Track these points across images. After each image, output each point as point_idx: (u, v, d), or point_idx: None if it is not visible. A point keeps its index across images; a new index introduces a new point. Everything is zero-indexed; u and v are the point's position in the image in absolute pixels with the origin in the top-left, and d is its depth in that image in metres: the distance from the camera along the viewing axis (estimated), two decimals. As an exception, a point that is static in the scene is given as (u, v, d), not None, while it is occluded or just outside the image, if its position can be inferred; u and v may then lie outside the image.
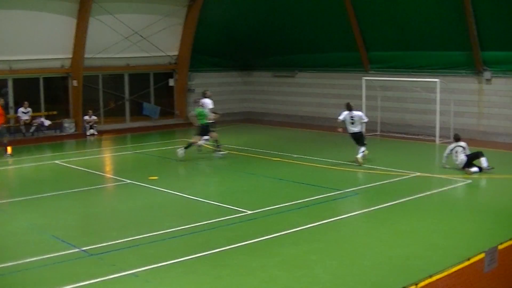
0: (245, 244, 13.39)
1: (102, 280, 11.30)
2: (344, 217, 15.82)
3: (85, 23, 33.25)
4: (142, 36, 35.72)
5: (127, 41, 35.43)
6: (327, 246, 13.46)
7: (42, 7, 32.35)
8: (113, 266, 12.03)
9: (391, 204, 17.06)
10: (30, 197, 18.64)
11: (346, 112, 23.68)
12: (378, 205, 16.92)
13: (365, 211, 16.44)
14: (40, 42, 32.92)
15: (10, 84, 33.34)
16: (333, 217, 15.68)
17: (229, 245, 13.26)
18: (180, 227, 14.85)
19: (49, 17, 32.75)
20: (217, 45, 38.55)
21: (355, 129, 23.66)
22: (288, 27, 35.78)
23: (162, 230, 14.55)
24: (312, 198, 17.94)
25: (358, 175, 21.68)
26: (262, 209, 16.48)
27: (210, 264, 12.17)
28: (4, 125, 28.33)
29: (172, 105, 38.98)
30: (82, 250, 13.00)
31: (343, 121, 23.68)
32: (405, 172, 21.54)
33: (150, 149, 28.56)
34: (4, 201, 18.30)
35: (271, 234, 14.09)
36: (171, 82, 38.61)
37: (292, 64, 37.76)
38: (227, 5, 36.82)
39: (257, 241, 13.65)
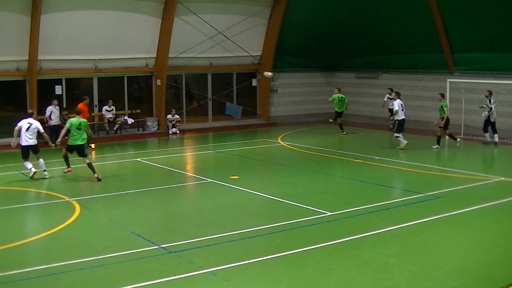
0: (323, 246, 13.25)
1: (180, 278, 11.35)
2: (424, 221, 15.45)
3: (170, 23, 33.65)
4: (226, 36, 35.94)
5: (210, 41, 35.68)
6: (406, 249, 13.19)
7: (128, 8, 32.89)
8: (191, 264, 12.09)
9: (473, 209, 16.59)
10: (112, 194, 18.98)
11: (399, 101, 26.81)
12: (460, 210, 16.46)
13: (446, 215, 16.00)
14: (125, 42, 33.48)
15: (95, 82, 34.06)
16: (413, 221, 15.35)
17: (307, 246, 13.14)
18: (259, 226, 14.82)
19: (134, 17, 33.28)
20: (300, 45, 38.41)
21: (404, 116, 26.91)
22: (371, 27, 35.36)
23: (241, 230, 14.55)
24: (392, 200, 17.68)
25: (440, 179, 21.14)
26: (341, 211, 16.31)
27: (289, 265, 12.09)
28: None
29: (254, 105, 39.05)
30: (161, 248, 13.11)
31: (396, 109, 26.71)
32: (489, 177, 20.97)
33: (232, 149, 28.69)
34: (87, 197, 18.66)
35: (350, 236, 13.92)
36: (254, 82, 38.70)
37: (376, 65, 37.35)
38: (311, 5, 36.62)
39: (336, 242, 13.50)
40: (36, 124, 21.78)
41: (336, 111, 33.45)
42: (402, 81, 35.42)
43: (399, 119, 26.93)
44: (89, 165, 21.61)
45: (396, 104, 26.99)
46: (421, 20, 32.59)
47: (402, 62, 35.50)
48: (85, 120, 22.22)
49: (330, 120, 34.27)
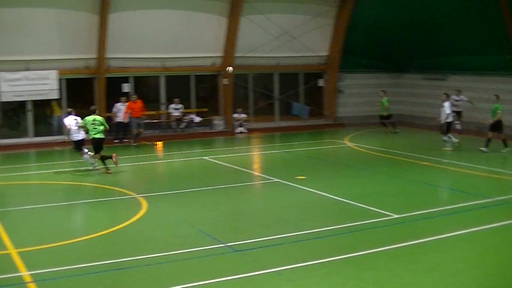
0: (390, 248, 13.06)
1: (245, 276, 11.34)
2: (494, 226, 15.05)
3: (236, 23, 33.80)
4: (292, 36, 35.90)
5: (277, 40, 35.69)
6: (475, 255, 12.84)
7: (195, 7, 33.18)
8: (256, 263, 12.09)
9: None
10: (179, 191, 19.12)
11: (449, 103, 27.13)
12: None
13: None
14: (192, 41, 33.76)
15: (162, 81, 34.43)
16: (482, 226, 15.03)
17: (374, 248, 12.97)
18: (325, 227, 14.71)
19: (201, 16, 33.54)
20: (367, 46, 38.02)
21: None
22: (440, 29, 34.77)
23: (307, 230, 14.47)
24: (460, 205, 17.30)
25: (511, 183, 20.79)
26: (408, 214, 16.07)
27: (354, 267, 11.96)
28: (139, 119, 29.76)
29: (321, 106, 38.91)
30: (227, 246, 13.14)
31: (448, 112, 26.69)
32: None
33: (298, 149, 28.64)
34: (154, 194, 18.84)
35: (416, 239, 13.69)
36: (321, 83, 38.53)
37: (444, 67, 36.68)
38: (378, 5, 36.30)
39: (402, 245, 13.29)
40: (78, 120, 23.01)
41: (384, 115, 33.76)
42: (471, 83, 34.77)
43: (448, 121, 26.87)
44: (102, 158, 22.58)
45: (448, 106, 26.76)
46: (491, 21, 31.95)
47: (471, 64, 34.83)
48: (101, 117, 23.25)
49: (389, 127, 34.26)
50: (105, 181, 20.99)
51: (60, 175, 22.43)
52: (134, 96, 30.58)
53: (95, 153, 22.83)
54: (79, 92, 33.69)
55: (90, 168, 22.96)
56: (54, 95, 31.64)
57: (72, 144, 23.37)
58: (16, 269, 11.78)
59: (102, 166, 22.69)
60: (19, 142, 31.05)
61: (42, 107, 32.31)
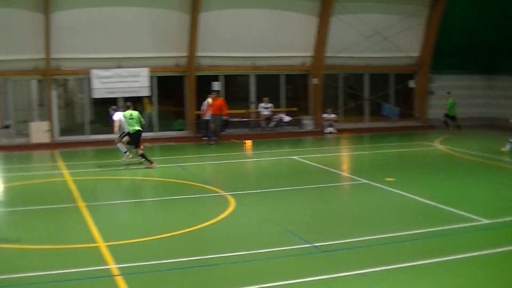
0: (481, 254, 12.73)
1: (330, 278, 11.22)
2: None
3: (327, 22, 33.70)
4: (383, 36, 35.54)
5: (367, 40, 35.41)
6: None
7: (285, 6, 33.30)
8: (342, 264, 11.98)
9: None
10: (267, 190, 19.14)
11: None
12: None
13: None
14: (282, 40, 33.85)
15: (252, 80, 34.62)
16: None
17: (462, 254, 12.65)
18: (412, 231, 14.44)
19: (291, 15, 33.62)
20: (460, 47, 37.17)
21: None
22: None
23: (394, 232, 14.22)
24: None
25: None
26: (499, 219, 15.66)
27: (443, 272, 11.65)
28: (218, 116, 30.13)
29: (411, 107, 38.42)
30: (314, 246, 13.08)
31: None
32: None
33: (388, 150, 28.33)
34: (242, 192, 18.91)
35: (507, 246, 13.39)
36: (411, 84, 38.03)
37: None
38: (472, 5, 35.55)
39: (492, 252, 12.98)
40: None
41: (450, 115, 33.78)
42: None
43: None
44: (142, 155, 23.60)
45: None
46: None
47: None
48: (137, 112, 24.03)
49: (451, 129, 33.94)
50: (193, 178, 21.21)
51: (149, 171, 22.81)
52: (214, 93, 30.85)
53: (135, 147, 23.64)
54: (169, 90, 34.24)
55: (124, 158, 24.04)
56: (145, 93, 32.26)
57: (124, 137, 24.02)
58: (104, 262, 12.02)
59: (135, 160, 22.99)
60: (110, 138, 31.70)
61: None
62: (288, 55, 34.42)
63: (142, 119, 24.09)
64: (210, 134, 30.40)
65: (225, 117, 31.04)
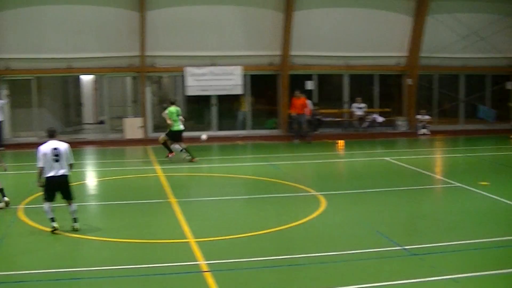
0: None
1: (420, 281, 11.03)
2: None
3: (422, 22, 33.24)
4: (480, 36, 34.77)
5: (464, 40, 34.71)
6: None
7: (379, 5, 33.05)
8: (433, 269, 11.79)
9: None
10: (358, 191, 19.02)
11: None
12: None
13: None
14: (376, 40, 33.60)
15: (345, 79, 34.48)
16: None
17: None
18: (507, 237, 14.12)
19: (386, 15, 33.35)
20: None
21: None
22: None
23: (488, 238, 13.86)
24: None
25: None
26: None
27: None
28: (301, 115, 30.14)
29: (509, 110, 37.48)
30: (404, 249, 12.92)
31: None
32: None
33: (483, 153, 27.68)
34: (334, 192, 18.83)
35: None
36: (509, 86, 37.09)
37: None
38: None
39: None
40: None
41: None
42: None
43: None
44: (186, 149, 24.44)
45: None
46: None
47: None
48: (179, 108, 24.67)
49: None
50: (285, 177, 21.30)
51: (241, 169, 23.02)
52: (297, 92, 30.83)
53: (178, 143, 24.45)
54: (262, 88, 34.46)
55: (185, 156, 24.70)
56: (238, 91, 32.57)
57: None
58: (194, 258, 12.23)
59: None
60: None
61: (226, 102, 33.36)
62: (382, 55, 34.12)
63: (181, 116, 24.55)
64: (298, 133, 30.54)
65: (308, 117, 30.99)
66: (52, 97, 33.86)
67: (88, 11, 30.68)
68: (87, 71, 33.38)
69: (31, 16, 30.34)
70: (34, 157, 14.35)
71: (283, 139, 32.23)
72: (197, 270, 11.58)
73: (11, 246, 13.37)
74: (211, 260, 12.03)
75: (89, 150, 29.62)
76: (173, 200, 17.54)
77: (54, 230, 13.86)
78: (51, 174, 13.96)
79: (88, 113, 39.13)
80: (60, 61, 31.14)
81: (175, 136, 24.31)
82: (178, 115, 24.18)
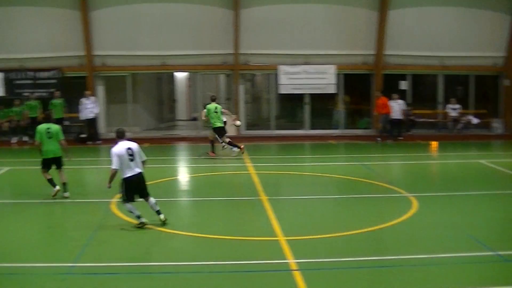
0: None
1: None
2: None
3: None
4: None
5: None
6: None
7: (475, 4, 32.40)
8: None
9: None
10: (451, 194, 18.61)
11: None
12: None
13: None
14: (472, 39, 32.89)
15: (440, 80, 33.91)
16: None
17: None
18: None
19: (482, 14, 32.69)
20: None
21: None
22: None
23: None
24: None
25: None
26: None
27: None
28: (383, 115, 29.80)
29: None
30: (497, 254, 12.50)
31: None
32: None
33: None
34: (426, 194, 18.47)
35: None
36: None
37: None
38: None
39: None
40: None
41: None
42: None
43: None
44: (230, 143, 24.86)
45: None
46: None
47: None
48: (220, 105, 25.14)
49: None
50: (377, 177, 21.09)
51: (332, 169, 22.87)
52: (377, 92, 30.52)
53: (220, 138, 24.65)
54: (355, 88, 34.27)
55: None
56: (331, 90, 32.48)
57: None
58: (283, 256, 12.23)
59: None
60: (295, 134, 32.28)
61: (319, 100, 33.30)
62: (479, 55, 33.33)
63: (221, 115, 24.88)
64: (385, 132, 30.33)
65: (399, 117, 30.69)
66: (146, 94, 34.51)
67: (182, 9, 31.15)
68: (181, 68, 33.86)
69: (126, 14, 31.08)
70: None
71: (375, 139, 31.91)
72: (286, 269, 11.58)
73: (103, 238, 13.70)
74: (300, 259, 12.00)
75: (182, 146, 30.06)
76: (264, 197, 17.60)
77: (143, 226, 14.12)
78: (129, 174, 14.21)
79: (181, 109, 39.66)
80: (154, 58, 31.73)
81: (219, 133, 24.68)
82: (216, 112, 24.47)
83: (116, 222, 15.03)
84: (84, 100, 29.67)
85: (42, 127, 17.57)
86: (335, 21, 32.03)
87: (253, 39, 31.55)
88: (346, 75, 33.20)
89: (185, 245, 13.38)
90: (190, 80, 39.87)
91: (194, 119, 37.12)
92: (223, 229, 14.37)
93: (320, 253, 12.53)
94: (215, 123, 24.55)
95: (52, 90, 30.43)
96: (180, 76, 38.98)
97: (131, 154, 14.17)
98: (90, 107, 29.59)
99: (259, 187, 19.09)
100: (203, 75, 33.55)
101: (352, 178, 21.01)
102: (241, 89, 32.73)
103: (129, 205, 14.33)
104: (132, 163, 14.15)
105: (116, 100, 32.76)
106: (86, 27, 30.75)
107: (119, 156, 14.06)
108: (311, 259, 12.13)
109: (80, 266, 11.74)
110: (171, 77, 37.84)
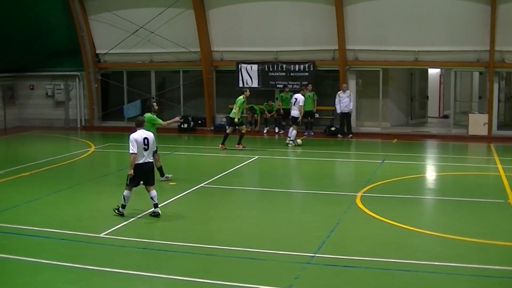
0: None
1: None
2: None
3: None
4: None
5: None
6: None
7: None
8: None
9: None
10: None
11: None
12: None
13: None
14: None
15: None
16: None
17: None
18: None
19: None
20: None
21: None
22: None
23: None
24: None
25: None
26: None
27: None
28: None
29: None
30: None
31: None
32: None
33: None
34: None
35: None
36: None
37: None
38: None
39: None
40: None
41: None
42: None
43: None
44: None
45: None
46: None
47: None
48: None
49: None
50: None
51: None
52: None
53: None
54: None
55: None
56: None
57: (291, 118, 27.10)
58: None
59: None
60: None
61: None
62: None
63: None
64: None
65: None
66: (397, 89, 34.42)
67: (436, 3, 30.66)
68: (433, 64, 33.34)
69: (379, 9, 31.17)
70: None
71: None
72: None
73: (345, 231, 14.00)
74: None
75: (432, 144, 29.69)
76: (512, 201, 16.95)
77: (118, 214, 15.09)
78: (140, 161, 14.96)
79: (432, 107, 39.11)
80: (407, 54, 31.57)
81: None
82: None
83: (359, 216, 15.28)
84: (340, 94, 30.27)
85: None
86: (447, 16, 30.36)
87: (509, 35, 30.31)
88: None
89: (426, 244, 13.34)
90: (443, 76, 39.20)
91: (445, 116, 36.49)
92: (466, 230, 14.08)
93: None
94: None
95: (305, 82, 31.20)
96: (433, 72, 38.41)
97: (146, 143, 15.02)
98: (345, 101, 30.08)
99: (508, 189, 18.31)
100: (456, 72, 32.79)
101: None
102: (495, 87, 31.59)
103: (127, 192, 15.16)
104: (145, 152, 15.01)
105: (367, 95, 33.03)
106: (341, 21, 31.25)
107: (136, 141, 14.86)
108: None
109: (319, 257, 12.10)
110: (424, 73, 37.30)
